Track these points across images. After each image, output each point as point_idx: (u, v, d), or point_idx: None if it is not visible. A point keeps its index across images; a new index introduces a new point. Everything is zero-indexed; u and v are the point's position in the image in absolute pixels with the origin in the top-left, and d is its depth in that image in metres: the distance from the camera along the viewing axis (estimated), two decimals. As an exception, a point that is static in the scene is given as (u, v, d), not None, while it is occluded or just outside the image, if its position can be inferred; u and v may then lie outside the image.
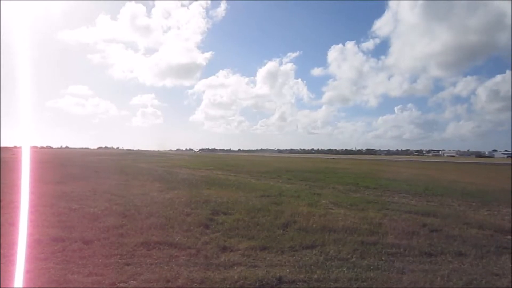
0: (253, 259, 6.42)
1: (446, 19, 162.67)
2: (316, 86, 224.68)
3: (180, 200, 12.18)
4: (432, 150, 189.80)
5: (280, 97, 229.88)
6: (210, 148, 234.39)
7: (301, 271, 5.83)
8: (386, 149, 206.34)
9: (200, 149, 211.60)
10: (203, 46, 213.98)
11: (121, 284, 5.24)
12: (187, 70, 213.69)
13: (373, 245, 7.32)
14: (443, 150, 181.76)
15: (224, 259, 6.37)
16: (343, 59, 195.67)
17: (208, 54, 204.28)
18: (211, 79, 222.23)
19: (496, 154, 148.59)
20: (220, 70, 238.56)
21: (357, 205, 12.06)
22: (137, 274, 5.56)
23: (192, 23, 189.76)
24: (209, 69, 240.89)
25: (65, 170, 26.73)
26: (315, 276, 5.63)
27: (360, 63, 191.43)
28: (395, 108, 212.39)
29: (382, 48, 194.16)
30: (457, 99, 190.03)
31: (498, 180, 24.06)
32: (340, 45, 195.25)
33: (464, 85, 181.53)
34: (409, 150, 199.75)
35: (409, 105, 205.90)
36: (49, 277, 5.33)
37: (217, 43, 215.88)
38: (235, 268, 5.97)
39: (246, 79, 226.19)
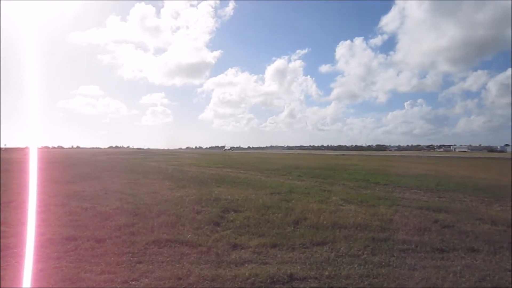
0: (264, 256, 6.44)
1: (453, 14, 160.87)
2: (325, 82, 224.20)
3: (191, 198, 12.24)
4: (443, 145, 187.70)
5: (289, 94, 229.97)
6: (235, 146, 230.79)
7: (312, 268, 5.83)
8: (397, 144, 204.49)
9: (232, 147, 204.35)
10: (211, 45, 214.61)
11: (133, 282, 5.29)
12: (196, 69, 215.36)
13: (384, 242, 7.29)
14: (454, 145, 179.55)
15: (235, 256, 6.40)
16: (351, 55, 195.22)
17: (216, 53, 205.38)
18: (220, 78, 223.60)
19: (508, 149, 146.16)
20: (229, 68, 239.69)
21: (367, 202, 11.99)
22: (148, 272, 5.62)
23: (201, 22, 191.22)
24: (218, 68, 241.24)
25: (76, 169, 27.02)
26: (326, 273, 5.63)
27: (368, 59, 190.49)
28: (405, 104, 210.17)
29: (390, 44, 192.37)
30: (468, 94, 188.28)
31: (510, 175, 23.70)
32: (348, 41, 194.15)
33: (474, 80, 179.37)
34: (419, 145, 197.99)
35: (419, 100, 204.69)
36: (62, 275, 5.41)
37: (225, 41, 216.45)
38: (246, 265, 6.00)
39: (255, 77, 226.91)
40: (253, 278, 5.40)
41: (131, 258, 6.20)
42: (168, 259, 6.22)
